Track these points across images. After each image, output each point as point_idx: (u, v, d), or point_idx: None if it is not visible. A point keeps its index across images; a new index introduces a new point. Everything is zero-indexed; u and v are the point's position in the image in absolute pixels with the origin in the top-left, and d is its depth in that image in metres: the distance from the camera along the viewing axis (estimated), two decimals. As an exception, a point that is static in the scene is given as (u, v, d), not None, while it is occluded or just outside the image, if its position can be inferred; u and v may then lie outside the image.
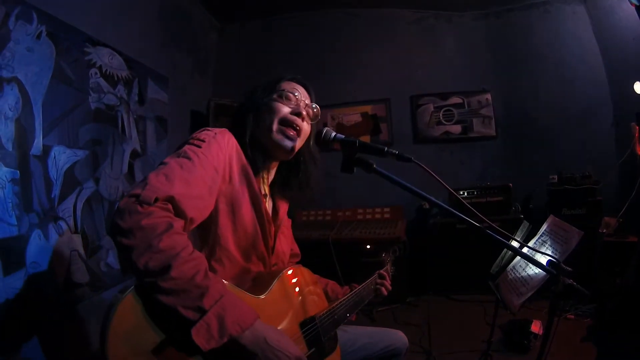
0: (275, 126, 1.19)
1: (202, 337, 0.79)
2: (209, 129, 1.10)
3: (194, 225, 0.99)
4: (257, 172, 1.19)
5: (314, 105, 1.27)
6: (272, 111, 1.20)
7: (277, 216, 1.31)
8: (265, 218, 1.19)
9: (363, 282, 1.47)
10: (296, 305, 1.13)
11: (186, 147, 1.02)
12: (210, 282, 0.84)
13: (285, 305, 1.09)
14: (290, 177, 1.32)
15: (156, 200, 0.86)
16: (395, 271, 1.70)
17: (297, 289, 1.16)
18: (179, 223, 0.89)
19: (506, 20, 4.14)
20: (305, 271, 1.25)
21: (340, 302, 1.28)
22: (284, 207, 1.34)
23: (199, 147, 1.02)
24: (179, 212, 0.91)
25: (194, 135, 1.07)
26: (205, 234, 1.08)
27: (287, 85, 1.25)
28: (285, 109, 1.21)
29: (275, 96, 1.22)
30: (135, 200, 0.85)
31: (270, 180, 1.31)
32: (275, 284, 1.08)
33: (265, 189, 1.27)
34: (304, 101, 1.25)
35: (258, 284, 1.10)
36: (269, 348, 0.87)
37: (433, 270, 3.41)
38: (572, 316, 2.64)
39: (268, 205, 1.28)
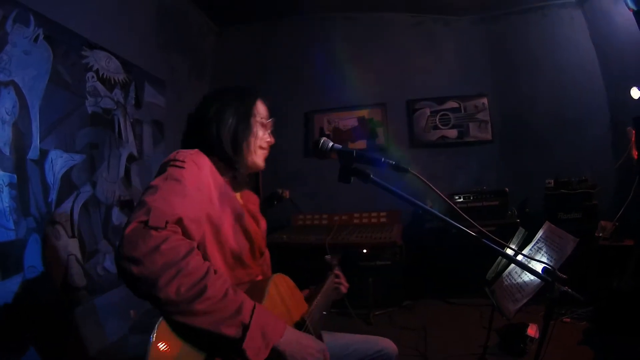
0: (256, 149, 1.22)
1: (252, 351, 0.80)
2: (183, 150, 1.06)
3: None
4: (235, 189, 1.21)
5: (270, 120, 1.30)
6: (254, 135, 1.21)
7: (259, 225, 1.31)
8: (251, 229, 1.18)
9: (321, 284, 1.45)
10: (289, 308, 1.17)
11: (170, 170, 0.98)
12: (242, 295, 0.85)
13: (282, 308, 1.12)
14: None
15: (167, 223, 0.83)
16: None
17: (286, 293, 1.20)
18: (194, 244, 0.87)
19: (504, 25, 4.14)
20: (286, 276, 1.27)
21: (316, 303, 1.32)
22: (262, 221, 1.35)
23: (182, 167, 0.98)
24: (187, 235, 0.89)
25: (171, 157, 1.03)
26: None
27: (262, 109, 1.25)
28: (264, 135, 1.25)
29: (253, 120, 1.22)
30: (144, 226, 0.80)
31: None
32: (270, 289, 1.09)
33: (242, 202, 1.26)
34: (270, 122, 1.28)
35: (254, 291, 1.10)
36: (302, 348, 0.92)
37: (429, 274, 3.41)
38: (568, 319, 2.65)
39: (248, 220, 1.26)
